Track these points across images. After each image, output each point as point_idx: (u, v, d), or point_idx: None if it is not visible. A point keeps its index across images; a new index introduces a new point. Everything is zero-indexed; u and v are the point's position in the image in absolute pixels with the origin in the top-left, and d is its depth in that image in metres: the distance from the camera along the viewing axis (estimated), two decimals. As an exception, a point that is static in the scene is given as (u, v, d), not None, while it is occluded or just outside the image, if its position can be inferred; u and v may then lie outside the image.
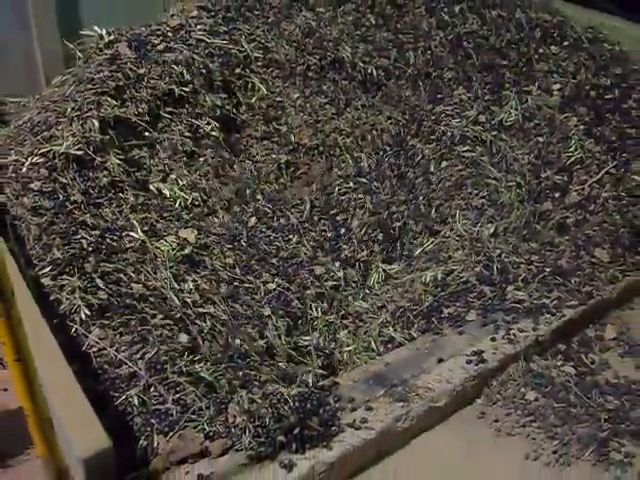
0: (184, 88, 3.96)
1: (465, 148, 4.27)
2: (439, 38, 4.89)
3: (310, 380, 2.70)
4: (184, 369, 2.64)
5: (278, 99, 4.33)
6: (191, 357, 2.72)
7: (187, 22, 4.29)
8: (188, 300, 3.02)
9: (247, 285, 3.29)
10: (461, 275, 3.45)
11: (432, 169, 4.23)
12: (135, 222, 3.32)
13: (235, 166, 4.05)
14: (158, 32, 4.17)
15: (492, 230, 3.77)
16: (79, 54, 4.11)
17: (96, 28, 4.11)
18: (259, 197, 3.92)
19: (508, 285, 3.36)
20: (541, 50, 4.93)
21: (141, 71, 3.89)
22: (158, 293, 3.00)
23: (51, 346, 2.43)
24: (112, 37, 4.09)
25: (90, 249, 3.07)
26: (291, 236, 3.74)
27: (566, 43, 5.01)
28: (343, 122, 4.38)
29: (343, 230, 3.92)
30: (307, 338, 3.17)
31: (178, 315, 2.92)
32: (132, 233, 3.26)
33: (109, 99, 3.70)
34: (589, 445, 2.65)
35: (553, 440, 2.70)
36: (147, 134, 3.81)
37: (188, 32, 4.23)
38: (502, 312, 3.21)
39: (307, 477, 2.37)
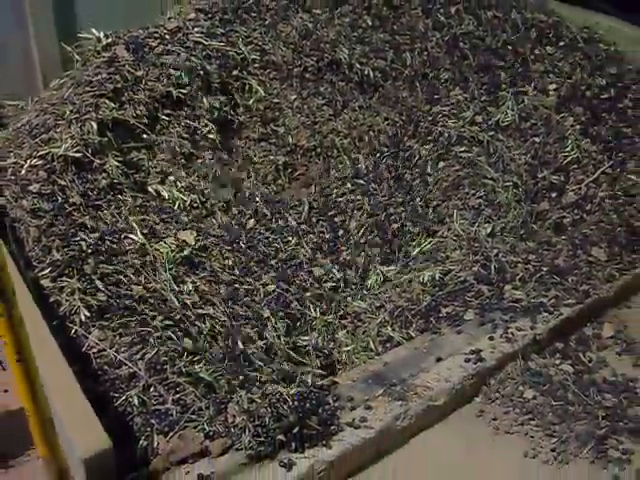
0: (182, 90, 3.96)
1: (462, 148, 4.28)
2: (435, 39, 4.90)
3: (309, 380, 2.71)
4: (184, 369, 2.64)
5: (275, 101, 4.34)
6: (190, 357, 2.73)
7: (184, 24, 4.29)
8: (188, 301, 3.02)
9: (246, 287, 3.29)
10: (459, 275, 3.47)
11: (429, 170, 4.23)
12: (134, 224, 3.32)
13: (233, 168, 4.06)
14: (156, 34, 4.17)
15: (489, 230, 3.79)
16: (77, 57, 4.12)
17: (94, 31, 4.12)
18: (257, 199, 3.92)
19: (506, 284, 3.37)
20: (537, 50, 4.95)
21: (139, 73, 3.90)
22: (158, 295, 3.00)
23: (51, 347, 2.43)
24: (110, 40, 4.09)
25: (89, 251, 3.07)
26: (290, 238, 3.74)
27: (562, 43, 5.04)
28: (340, 123, 4.38)
29: (341, 232, 3.92)
30: (306, 338, 3.16)
31: (178, 316, 2.92)
32: (131, 235, 3.26)
33: (107, 101, 3.71)
34: (587, 443, 2.67)
35: (551, 438, 2.71)
36: (145, 136, 3.81)
37: (185, 34, 4.23)
38: (500, 311, 3.22)
39: (306, 476, 2.38)
